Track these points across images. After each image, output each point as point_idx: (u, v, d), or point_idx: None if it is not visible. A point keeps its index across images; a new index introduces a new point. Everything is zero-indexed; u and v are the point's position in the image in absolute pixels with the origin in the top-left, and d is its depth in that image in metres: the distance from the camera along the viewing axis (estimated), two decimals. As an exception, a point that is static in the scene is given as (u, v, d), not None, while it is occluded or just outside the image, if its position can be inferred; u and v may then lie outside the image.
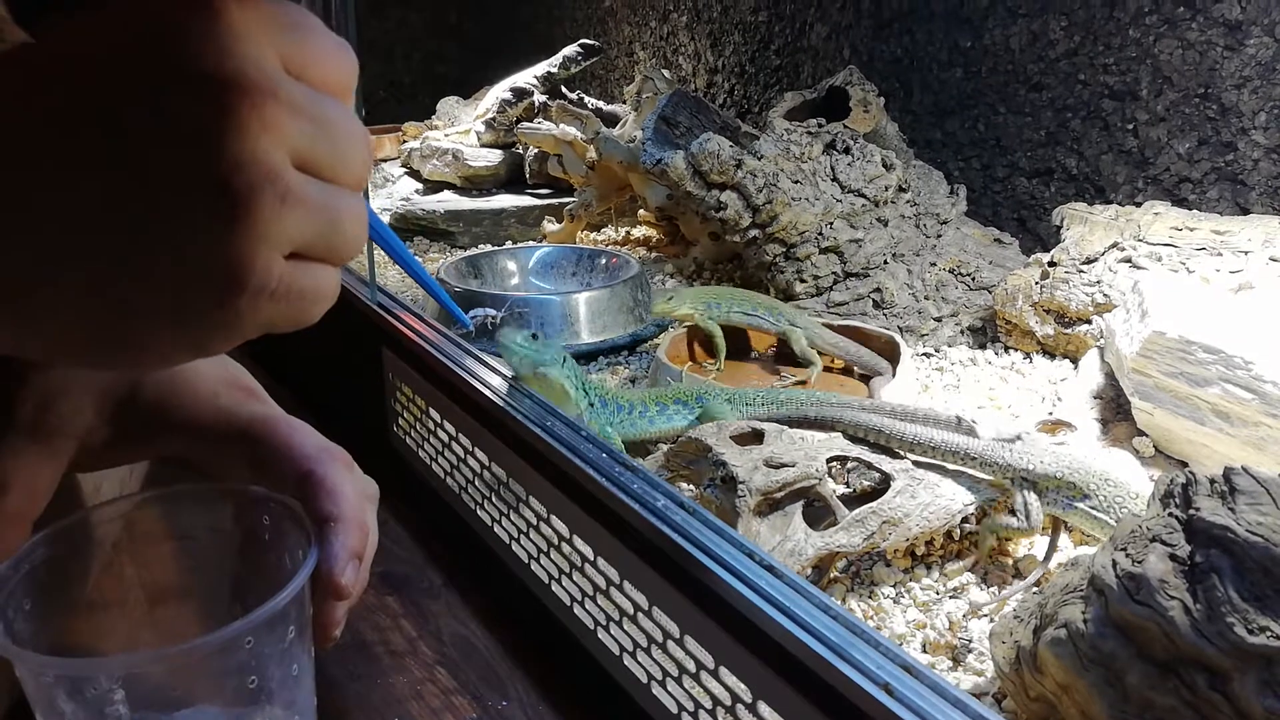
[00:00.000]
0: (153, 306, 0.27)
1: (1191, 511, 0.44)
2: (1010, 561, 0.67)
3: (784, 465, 0.61)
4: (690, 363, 1.02)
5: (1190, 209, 1.06)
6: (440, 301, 0.51)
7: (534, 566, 0.61)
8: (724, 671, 0.43)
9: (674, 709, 0.48)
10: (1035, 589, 0.61)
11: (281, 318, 0.28)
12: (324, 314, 0.30)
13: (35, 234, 0.26)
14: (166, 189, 0.25)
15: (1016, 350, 1.06)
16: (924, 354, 1.07)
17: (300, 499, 0.43)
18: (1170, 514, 0.45)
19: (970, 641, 0.57)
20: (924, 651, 0.58)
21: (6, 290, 0.26)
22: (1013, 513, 0.64)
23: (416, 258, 0.51)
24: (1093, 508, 0.61)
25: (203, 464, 0.46)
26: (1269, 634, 0.38)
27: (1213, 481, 0.45)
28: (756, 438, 0.66)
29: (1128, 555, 0.44)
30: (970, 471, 0.66)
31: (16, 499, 0.41)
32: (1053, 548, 0.65)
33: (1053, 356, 1.03)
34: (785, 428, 0.68)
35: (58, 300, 0.27)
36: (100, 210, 0.25)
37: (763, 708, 0.41)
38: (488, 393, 0.63)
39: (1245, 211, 1.10)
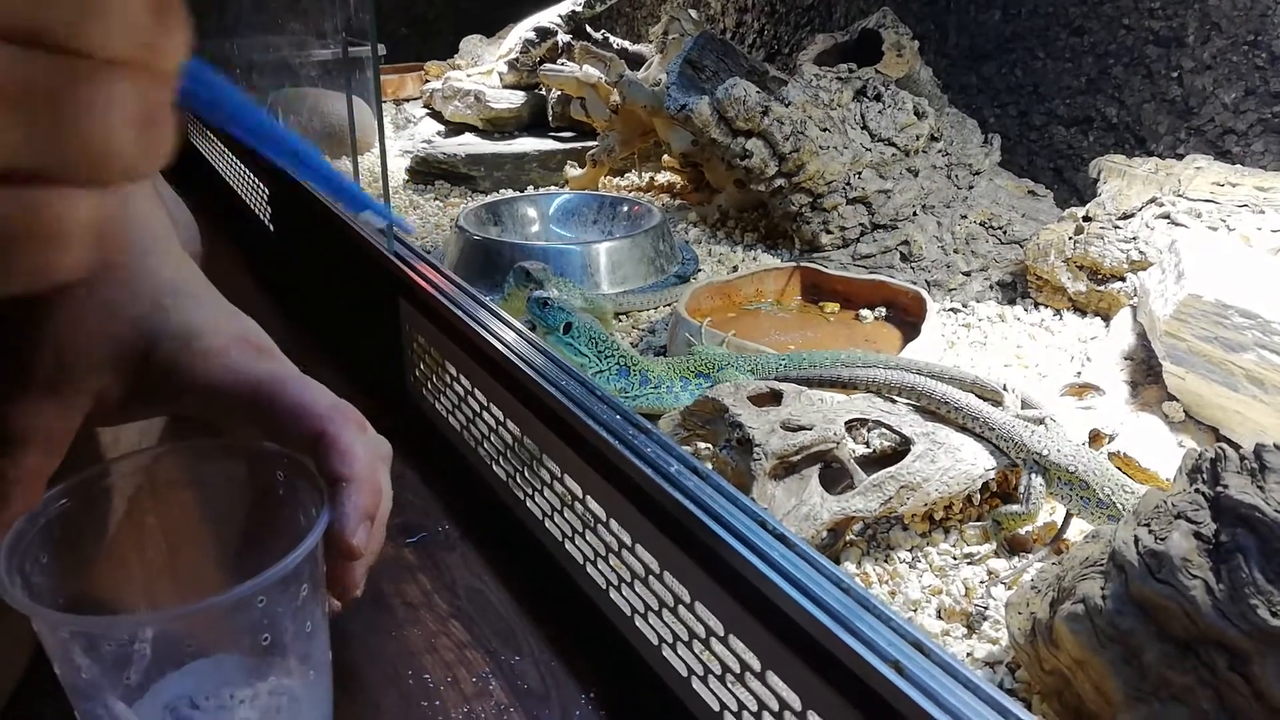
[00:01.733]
0: None
1: (1219, 489, 0.42)
2: (1030, 529, 0.66)
3: (801, 428, 0.60)
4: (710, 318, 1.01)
5: (1234, 162, 1.02)
6: (333, 189, 0.32)
7: (548, 524, 0.61)
8: (733, 639, 0.43)
9: (684, 672, 0.48)
10: (1054, 560, 0.60)
11: None
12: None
13: None
14: None
15: (1046, 307, 1.03)
16: (951, 309, 1.05)
17: (312, 459, 0.43)
18: (1197, 490, 0.44)
19: (986, 609, 0.57)
20: (939, 618, 0.57)
21: None
22: (1016, 492, 0.63)
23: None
24: (1110, 516, 0.59)
25: (215, 422, 0.46)
26: (1293, 618, 0.38)
27: (1243, 458, 0.43)
28: (775, 398, 0.65)
29: (1150, 531, 0.43)
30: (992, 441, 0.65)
31: (34, 454, 0.41)
32: (1069, 516, 0.64)
33: (1084, 314, 1.00)
34: (804, 389, 0.67)
35: None
36: None
37: (772, 678, 0.41)
38: (502, 348, 0.63)
39: (1292, 166, 1.06)
